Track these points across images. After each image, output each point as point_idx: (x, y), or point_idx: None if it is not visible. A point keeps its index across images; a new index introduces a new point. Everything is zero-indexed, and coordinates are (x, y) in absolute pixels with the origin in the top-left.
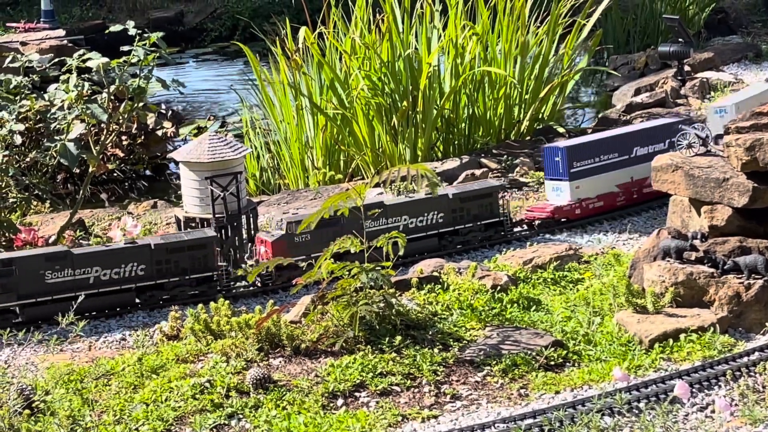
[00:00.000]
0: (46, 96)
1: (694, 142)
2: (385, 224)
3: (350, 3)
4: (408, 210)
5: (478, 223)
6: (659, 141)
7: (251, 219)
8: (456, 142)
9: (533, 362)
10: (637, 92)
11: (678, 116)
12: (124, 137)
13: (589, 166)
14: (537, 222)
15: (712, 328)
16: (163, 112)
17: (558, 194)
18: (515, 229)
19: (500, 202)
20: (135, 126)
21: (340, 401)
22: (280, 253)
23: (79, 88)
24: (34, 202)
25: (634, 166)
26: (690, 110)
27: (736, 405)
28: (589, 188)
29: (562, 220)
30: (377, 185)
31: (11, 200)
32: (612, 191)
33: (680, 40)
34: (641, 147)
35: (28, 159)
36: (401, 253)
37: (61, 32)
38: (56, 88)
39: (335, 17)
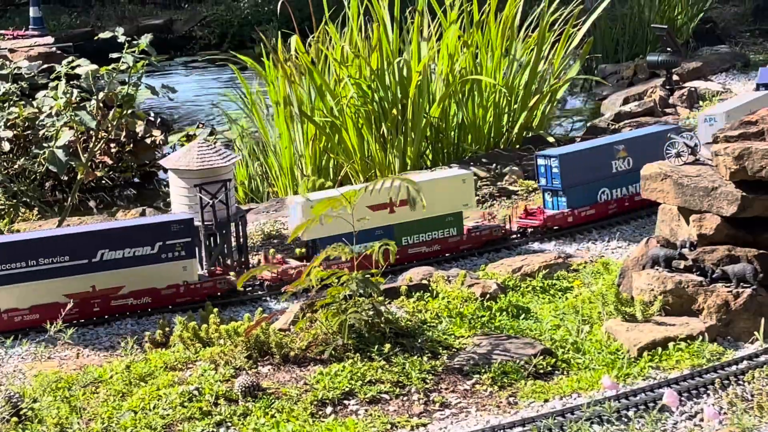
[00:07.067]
0: (34, 103)
1: (683, 151)
2: None
3: (342, 9)
4: None
5: None
6: (141, 243)
7: (240, 226)
8: (445, 151)
9: (522, 370)
10: (626, 101)
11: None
12: (112, 144)
13: (18, 271)
14: None
15: (700, 337)
16: (152, 119)
17: None
18: None
19: None
20: (124, 133)
21: (329, 409)
22: None
23: (68, 95)
24: (22, 209)
25: (97, 273)
26: (678, 119)
27: (724, 413)
28: (19, 297)
29: None
30: None
31: None
32: (55, 302)
33: (669, 49)
34: (110, 250)
35: (16, 166)
36: None
37: (50, 39)
38: (45, 95)
39: (321, 33)
